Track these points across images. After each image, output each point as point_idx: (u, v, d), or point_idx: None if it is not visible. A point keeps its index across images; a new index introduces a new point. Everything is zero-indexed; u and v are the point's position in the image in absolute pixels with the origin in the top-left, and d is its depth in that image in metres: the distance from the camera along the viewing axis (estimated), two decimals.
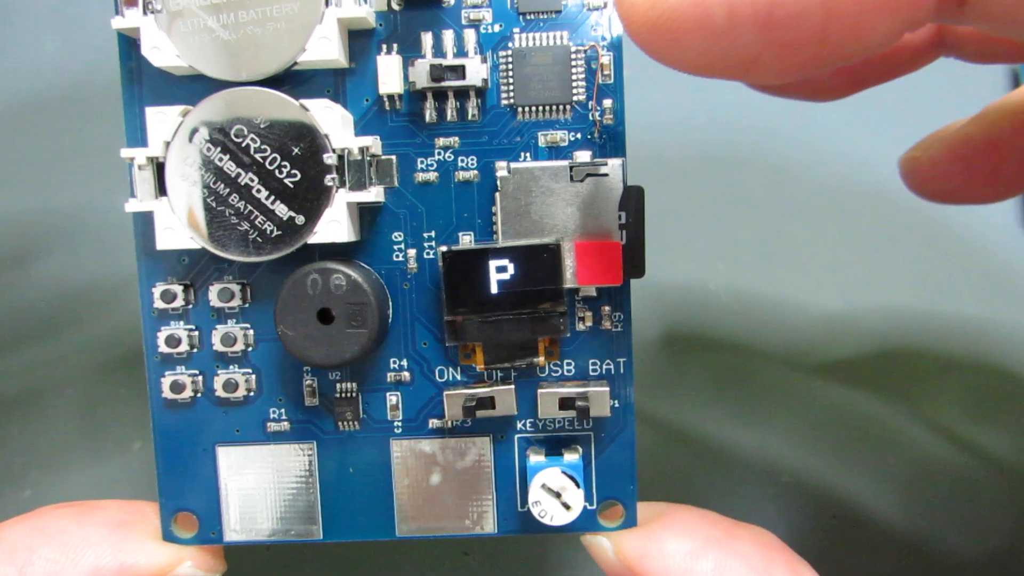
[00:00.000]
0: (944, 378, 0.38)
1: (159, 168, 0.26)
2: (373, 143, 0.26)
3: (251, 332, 0.28)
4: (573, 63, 0.27)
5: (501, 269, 0.26)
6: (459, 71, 0.26)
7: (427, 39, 0.27)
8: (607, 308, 0.27)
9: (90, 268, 0.39)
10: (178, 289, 0.27)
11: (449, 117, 0.27)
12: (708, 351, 0.38)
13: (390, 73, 0.26)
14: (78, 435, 0.38)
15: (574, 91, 0.27)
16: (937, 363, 0.38)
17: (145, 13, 0.25)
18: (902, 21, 0.18)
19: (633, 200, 0.26)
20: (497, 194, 0.26)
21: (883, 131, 0.37)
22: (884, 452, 0.38)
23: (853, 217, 0.38)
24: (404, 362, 0.28)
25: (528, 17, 0.27)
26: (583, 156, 0.26)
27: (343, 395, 0.28)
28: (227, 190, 0.25)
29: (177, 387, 0.28)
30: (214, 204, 0.25)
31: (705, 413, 0.38)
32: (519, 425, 0.28)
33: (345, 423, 0.28)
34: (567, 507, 0.26)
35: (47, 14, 0.40)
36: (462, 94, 0.27)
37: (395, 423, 0.28)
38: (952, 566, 0.38)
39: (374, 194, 0.26)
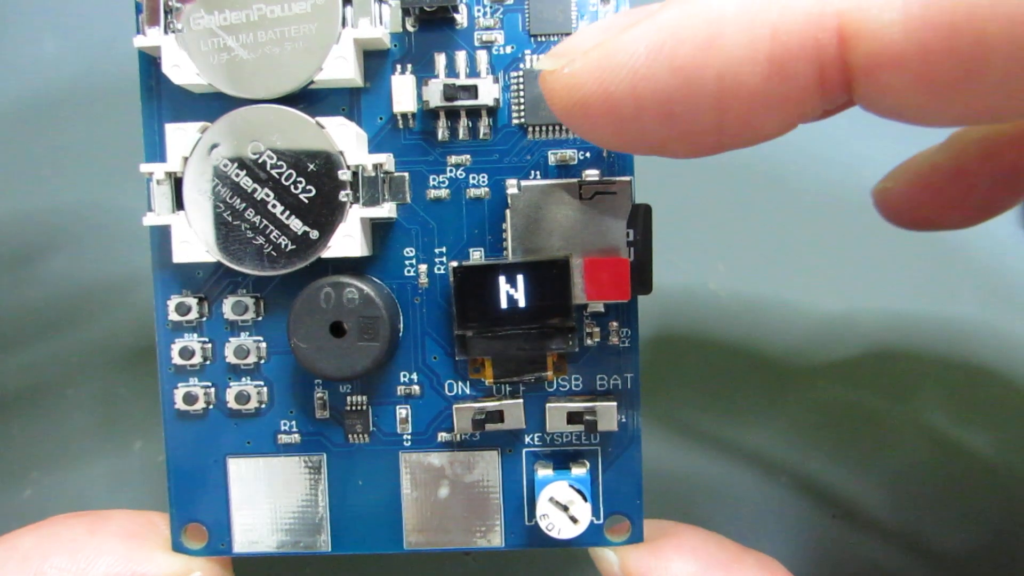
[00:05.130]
0: (944, 379, 0.38)
1: (177, 183, 0.26)
2: (387, 160, 0.26)
3: (264, 345, 0.28)
4: None
5: (511, 284, 0.26)
6: (471, 91, 0.27)
7: (440, 60, 0.27)
8: (615, 324, 0.28)
9: (92, 268, 0.39)
10: (193, 302, 0.28)
11: (461, 136, 0.27)
12: (707, 351, 0.38)
13: (404, 92, 0.27)
14: (79, 435, 0.38)
15: None
16: (937, 364, 0.38)
17: (166, 32, 0.26)
18: (792, 115, 0.20)
19: (641, 218, 0.26)
20: (507, 211, 0.27)
21: (883, 133, 0.37)
22: (884, 452, 0.38)
23: (853, 218, 0.38)
24: (414, 376, 0.28)
25: (539, 39, 0.27)
26: (592, 174, 0.27)
27: (353, 408, 0.28)
28: (243, 205, 0.26)
29: (190, 398, 0.28)
30: (230, 218, 0.26)
31: (704, 412, 0.38)
32: (527, 439, 0.28)
33: (355, 436, 0.28)
34: (574, 521, 0.27)
35: (48, 14, 0.40)
36: (474, 113, 0.27)
37: (404, 436, 0.28)
38: (952, 565, 0.38)
39: (387, 210, 0.26)
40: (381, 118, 0.28)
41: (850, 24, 0.18)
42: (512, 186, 0.27)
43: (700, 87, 0.19)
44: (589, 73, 0.20)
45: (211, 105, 0.27)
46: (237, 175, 0.26)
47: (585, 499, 0.27)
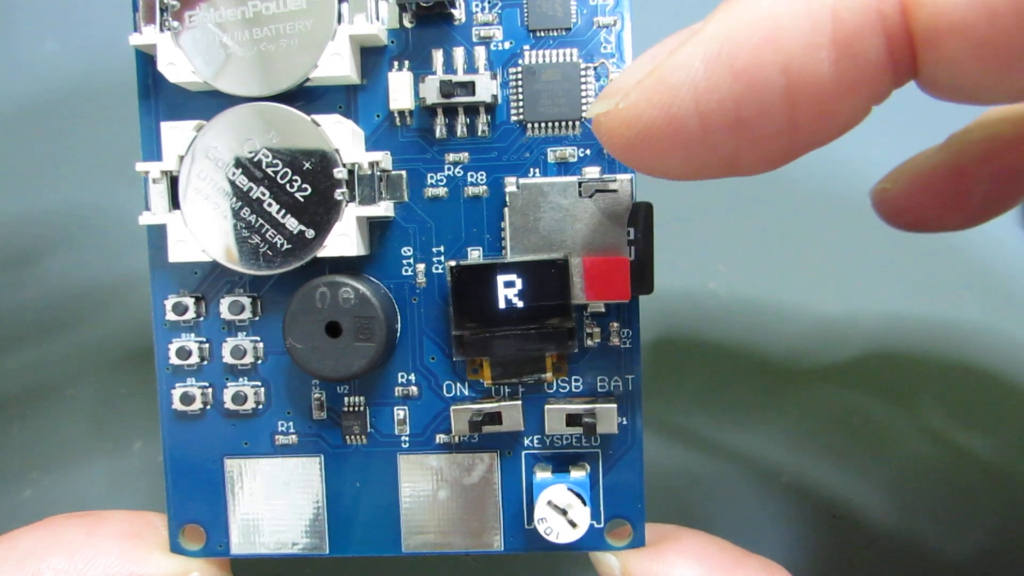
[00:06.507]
0: (944, 380, 0.38)
1: (173, 181, 0.26)
2: (383, 158, 0.26)
3: (261, 345, 0.28)
4: (583, 80, 0.27)
5: (509, 284, 0.26)
6: (469, 87, 0.26)
7: (438, 56, 0.27)
8: (615, 324, 0.27)
9: (93, 269, 0.39)
10: (189, 301, 0.28)
11: (459, 133, 0.27)
12: (707, 351, 0.38)
13: (401, 89, 0.27)
14: (79, 435, 0.38)
15: (583, 107, 0.27)
16: (937, 365, 0.38)
17: (162, 30, 0.26)
18: (865, 98, 0.19)
19: (642, 216, 0.26)
20: (506, 209, 0.27)
21: (884, 133, 0.37)
22: (884, 453, 0.38)
23: (853, 218, 0.38)
24: (412, 376, 0.28)
25: (538, 34, 0.27)
26: (592, 172, 0.27)
27: (351, 409, 0.28)
28: (239, 203, 0.26)
29: (187, 399, 0.28)
30: (226, 217, 0.26)
31: (704, 413, 0.38)
32: (526, 441, 0.28)
33: (352, 437, 0.28)
34: (573, 525, 0.26)
35: (48, 14, 0.40)
36: (472, 110, 0.27)
37: (402, 438, 0.28)
38: (952, 566, 0.37)
39: (384, 209, 0.26)
40: (378, 115, 0.27)
41: None
42: (511, 184, 0.27)
43: (767, 85, 0.18)
44: (647, 101, 0.19)
45: (207, 103, 0.26)
46: (233, 174, 0.26)
47: (584, 503, 0.26)
